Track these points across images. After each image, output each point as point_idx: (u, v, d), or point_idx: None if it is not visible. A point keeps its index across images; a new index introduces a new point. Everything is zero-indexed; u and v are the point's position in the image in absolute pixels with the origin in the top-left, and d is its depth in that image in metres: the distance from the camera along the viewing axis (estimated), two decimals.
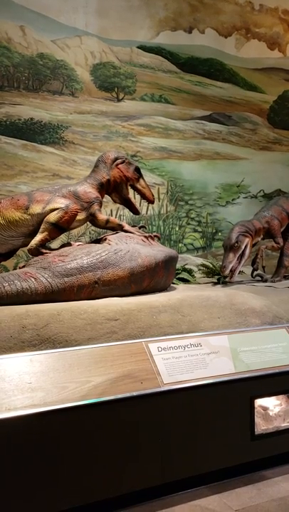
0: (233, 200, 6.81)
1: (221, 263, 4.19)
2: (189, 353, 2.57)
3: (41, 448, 2.08)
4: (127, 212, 5.18)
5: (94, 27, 6.05)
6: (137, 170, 3.74)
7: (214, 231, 6.65)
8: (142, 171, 3.85)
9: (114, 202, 3.84)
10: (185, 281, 4.28)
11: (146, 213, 6.17)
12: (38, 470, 2.07)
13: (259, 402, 2.66)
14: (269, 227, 4.35)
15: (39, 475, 2.07)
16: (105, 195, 3.71)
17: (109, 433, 2.21)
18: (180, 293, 3.29)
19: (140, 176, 3.75)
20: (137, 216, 5.39)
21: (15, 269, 3.62)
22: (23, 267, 3.08)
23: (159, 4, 6.41)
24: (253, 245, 4.35)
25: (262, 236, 4.39)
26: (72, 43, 5.98)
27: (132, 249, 3.20)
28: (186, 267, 4.56)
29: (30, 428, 2.05)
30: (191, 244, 6.55)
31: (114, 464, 2.21)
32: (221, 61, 6.88)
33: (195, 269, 4.66)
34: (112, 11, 6.11)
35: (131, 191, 3.80)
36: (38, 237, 3.19)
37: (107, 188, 3.63)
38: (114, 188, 3.68)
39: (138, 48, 6.35)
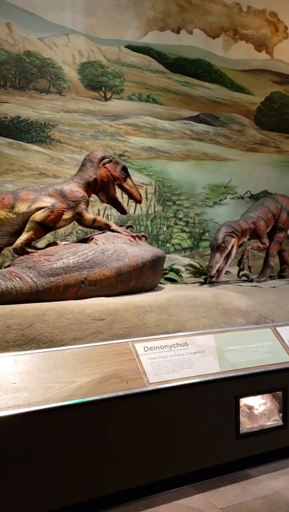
0: (220, 200, 6.84)
1: (207, 263, 4.21)
2: (175, 352, 2.57)
3: (25, 449, 2.06)
4: (114, 211, 5.17)
5: (81, 25, 6.02)
6: (124, 169, 3.73)
7: (201, 231, 6.67)
8: (130, 170, 3.84)
9: (102, 201, 3.83)
10: (172, 281, 4.29)
11: (134, 213, 6.17)
12: (23, 471, 2.05)
13: (244, 401, 2.67)
14: (255, 227, 4.38)
15: (23, 476, 2.05)
16: (93, 195, 3.69)
17: (94, 433, 2.20)
18: (167, 293, 3.30)
19: (127, 175, 3.75)
20: (125, 216, 5.38)
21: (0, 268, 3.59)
22: (8, 266, 3.06)
23: (147, 4, 6.41)
24: (240, 246, 4.38)
25: (248, 236, 4.42)
26: (60, 42, 5.94)
27: (119, 248, 3.19)
28: (174, 266, 4.57)
29: (14, 429, 2.03)
30: (179, 244, 6.56)
31: (99, 463, 2.21)
32: (209, 62, 6.90)
33: (182, 269, 4.67)
34: (100, 10, 6.09)
35: (118, 191, 3.79)
36: (24, 236, 3.17)
37: (94, 187, 3.62)
38: (101, 188, 3.67)
39: (126, 47, 6.34)
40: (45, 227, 3.24)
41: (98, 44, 6.17)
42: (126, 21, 6.29)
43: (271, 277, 4.67)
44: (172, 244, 6.48)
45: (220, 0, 6.93)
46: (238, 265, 4.56)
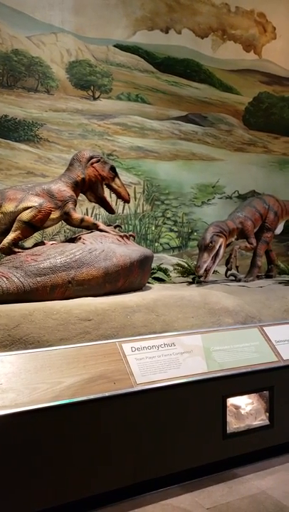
0: (208, 200, 6.86)
1: (195, 263, 4.22)
2: (163, 352, 2.58)
3: (12, 449, 2.05)
4: (103, 211, 5.15)
5: (70, 24, 6.00)
6: (113, 169, 3.72)
7: (190, 231, 6.68)
8: (118, 170, 3.83)
9: (90, 201, 3.81)
10: (160, 280, 4.28)
11: (123, 212, 6.16)
12: (9, 472, 2.04)
13: (231, 400, 2.68)
14: (243, 227, 4.39)
15: (10, 477, 2.04)
16: (81, 194, 3.68)
17: (81, 434, 2.19)
18: (155, 292, 3.30)
19: (116, 175, 3.74)
20: (113, 215, 5.37)
21: None
22: None
23: (136, 3, 6.40)
24: (227, 245, 4.38)
25: (236, 236, 4.43)
26: (48, 40, 5.92)
27: (107, 248, 3.18)
28: (162, 266, 4.57)
29: (1, 430, 2.02)
30: (167, 243, 6.57)
31: (86, 464, 2.20)
32: (198, 62, 6.92)
33: (170, 268, 4.67)
34: (89, 9, 6.08)
35: (106, 190, 3.78)
36: (11, 236, 3.14)
37: (82, 186, 3.60)
38: (89, 187, 3.66)
39: (114, 46, 6.33)
40: (33, 226, 3.22)
41: (87, 43, 6.15)
42: (114, 20, 6.28)
43: (258, 277, 4.69)
44: (160, 244, 6.49)
45: (208, 0, 6.95)
46: (226, 265, 4.58)
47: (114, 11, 6.25)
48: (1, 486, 2.02)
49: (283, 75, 7.58)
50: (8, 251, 3.12)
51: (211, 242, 4.08)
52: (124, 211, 6.17)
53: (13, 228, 3.16)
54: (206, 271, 4.11)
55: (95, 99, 6.20)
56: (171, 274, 4.55)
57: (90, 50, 6.17)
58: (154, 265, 4.06)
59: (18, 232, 3.16)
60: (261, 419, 2.77)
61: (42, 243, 3.31)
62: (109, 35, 6.27)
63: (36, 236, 4.66)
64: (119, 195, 3.79)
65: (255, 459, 2.71)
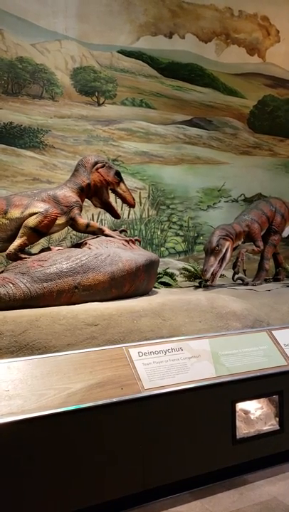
0: (214, 204, 6.84)
1: (202, 267, 4.20)
2: (170, 357, 2.55)
3: (19, 456, 2.03)
4: (108, 216, 5.16)
5: (74, 31, 6.03)
6: (118, 174, 3.72)
7: (196, 235, 6.66)
8: (123, 175, 3.83)
9: (95, 206, 3.82)
10: (167, 285, 4.27)
11: (128, 217, 6.16)
12: (15, 479, 2.02)
13: (240, 405, 2.65)
14: (249, 230, 4.37)
15: (16, 484, 2.02)
16: (86, 200, 3.68)
17: (88, 440, 2.17)
18: (161, 297, 3.28)
19: (121, 180, 3.74)
20: (119, 220, 5.37)
21: None
22: (1, 272, 3.03)
23: (139, 9, 6.42)
24: (234, 249, 4.36)
25: (242, 239, 4.41)
26: (52, 47, 5.95)
27: (113, 253, 3.18)
28: (168, 270, 4.55)
29: (8, 436, 2.01)
30: (173, 248, 6.55)
31: (94, 471, 2.18)
32: (202, 66, 6.92)
33: (177, 272, 4.65)
34: (92, 16, 6.11)
35: (112, 195, 3.78)
36: (17, 242, 3.15)
37: (87, 192, 3.60)
38: (94, 192, 3.66)
39: (118, 52, 6.36)
40: (39, 232, 3.22)
41: (91, 49, 6.18)
42: (118, 27, 6.31)
43: (266, 280, 4.66)
44: (166, 248, 6.48)
45: (212, 5, 6.96)
46: (233, 268, 4.55)
47: (117, 18, 6.28)
48: (6, 493, 2.01)
49: (287, 77, 7.56)
50: (15, 257, 3.12)
51: (217, 245, 4.06)
52: (130, 216, 6.17)
53: (19, 234, 3.17)
54: (213, 275, 4.08)
55: (99, 105, 6.22)
56: (177, 279, 4.53)
57: (94, 57, 6.19)
58: (160, 270, 4.04)
59: (24, 238, 3.16)
60: (271, 424, 2.73)
61: (48, 249, 3.31)
62: (113, 41, 6.29)
63: (42, 242, 4.67)
64: (124, 200, 3.79)
65: (265, 464, 2.68)
